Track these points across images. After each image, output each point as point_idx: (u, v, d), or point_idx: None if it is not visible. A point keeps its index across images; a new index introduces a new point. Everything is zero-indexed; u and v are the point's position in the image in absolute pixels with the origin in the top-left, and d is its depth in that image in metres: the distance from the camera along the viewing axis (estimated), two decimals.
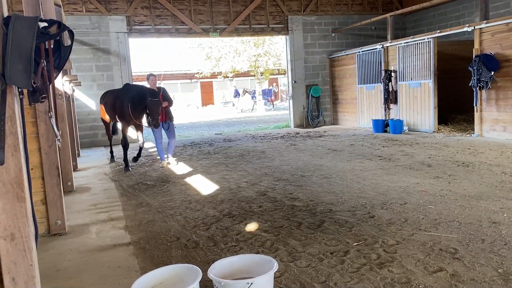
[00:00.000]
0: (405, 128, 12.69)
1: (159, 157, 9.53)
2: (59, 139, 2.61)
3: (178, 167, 8.85)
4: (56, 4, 7.18)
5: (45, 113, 4.53)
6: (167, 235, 4.56)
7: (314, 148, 10.46)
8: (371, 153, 9.15)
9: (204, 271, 2.96)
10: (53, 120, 2.51)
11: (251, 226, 4.65)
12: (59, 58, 2.49)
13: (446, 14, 15.58)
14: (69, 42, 2.67)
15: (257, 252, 3.87)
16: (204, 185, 6.91)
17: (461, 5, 14.82)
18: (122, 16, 14.29)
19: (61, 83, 7.00)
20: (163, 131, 8.91)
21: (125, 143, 8.66)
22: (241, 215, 5.09)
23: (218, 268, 2.94)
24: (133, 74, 15.16)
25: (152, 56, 36.52)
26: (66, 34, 2.52)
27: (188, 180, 7.45)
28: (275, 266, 2.82)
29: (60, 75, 6.66)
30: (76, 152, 10.52)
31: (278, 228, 4.52)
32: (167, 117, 8.78)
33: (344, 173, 7.26)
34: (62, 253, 4.23)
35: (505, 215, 4.53)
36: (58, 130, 2.60)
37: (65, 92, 8.25)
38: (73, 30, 2.48)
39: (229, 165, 8.69)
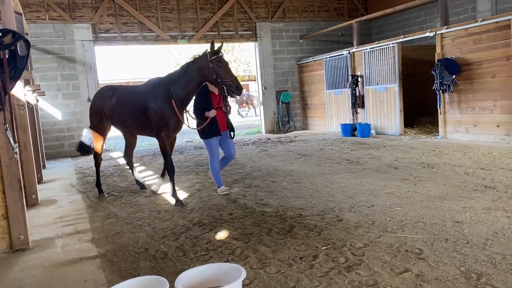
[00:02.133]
0: (373, 131, 12.94)
1: (211, 180, 7.25)
2: (15, 152, 2.52)
3: (147, 176, 8.71)
4: (16, 12, 7.00)
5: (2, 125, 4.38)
6: (135, 246, 4.48)
7: (285, 154, 10.53)
8: (340, 157, 9.28)
9: (173, 282, 2.92)
10: (9, 133, 2.43)
11: (221, 234, 4.62)
12: (15, 68, 2.43)
13: (410, 20, 16.04)
14: (25, 52, 2.59)
15: (227, 260, 3.85)
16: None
17: (424, 11, 15.29)
18: (87, 24, 14.03)
19: (24, 93, 6.80)
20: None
21: (171, 165, 6.26)
22: (211, 223, 5.05)
23: (186, 278, 2.90)
24: (100, 82, 14.89)
25: (120, 63, 35.99)
26: (22, 43, 2.44)
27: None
28: (243, 274, 2.81)
29: (22, 85, 6.47)
30: (41, 163, 10.22)
31: (248, 235, 4.51)
32: (229, 125, 6.52)
33: (314, 177, 7.33)
34: (25, 269, 4.08)
35: (467, 214, 4.67)
36: (15, 142, 2.51)
37: (28, 102, 8.01)
38: (36, 39, 2.43)
39: (199, 173, 8.63)
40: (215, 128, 6.25)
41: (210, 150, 6.44)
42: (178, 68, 6.27)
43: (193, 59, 6.05)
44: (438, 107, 10.93)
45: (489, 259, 3.47)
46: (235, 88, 5.75)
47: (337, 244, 4.04)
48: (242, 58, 28.48)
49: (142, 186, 7.33)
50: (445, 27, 10.66)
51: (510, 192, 5.42)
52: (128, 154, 7.37)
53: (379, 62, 12.88)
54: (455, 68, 10.27)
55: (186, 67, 6.04)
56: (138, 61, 36.04)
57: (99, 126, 6.82)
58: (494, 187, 5.74)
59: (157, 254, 4.19)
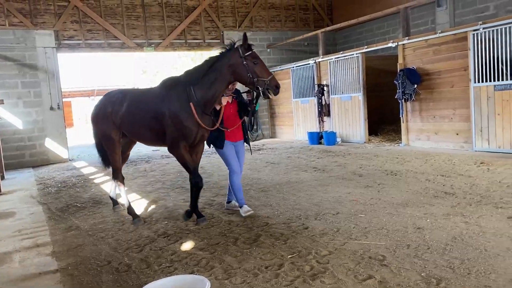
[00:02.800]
0: (338, 139, 13.16)
1: (232, 201, 5.97)
2: None
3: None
4: None
5: None
6: (97, 259, 4.36)
7: (252, 162, 10.54)
8: (307, 165, 9.38)
9: None
10: None
11: (187, 245, 4.57)
12: None
13: (373, 31, 16.48)
14: None
15: (192, 272, 3.80)
16: (139, 205, 6.71)
17: (386, 22, 15.75)
18: (50, 31, 13.66)
19: None
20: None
21: (197, 178, 5.29)
22: (176, 234, 4.98)
23: None
24: (63, 90, 14.51)
25: (85, 71, 35.23)
26: None
27: (122, 200, 7.18)
28: (208, 285, 2.79)
29: None
30: (0, 174, 9.82)
31: (214, 246, 4.47)
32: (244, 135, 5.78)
33: (281, 185, 7.37)
34: None
35: (428, 220, 4.80)
36: None
37: None
38: None
39: (166, 183, 8.52)
40: (222, 134, 5.45)
41: (226, 161, 5.56)
42: (198, 64, 5.30)
43: (220, 54, 5.06)
44: (400, 116, 11.24)
45: (448, 264, 3.57)
46: (274, 87, 4.92)
47: (303, 252, 4.07)
48: None
49: (115, 202, 6.48)
50: (407, 38, 11.01)
51: (468, 198, 5.62)
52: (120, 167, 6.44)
53: (344, 72, 13.15)
54: (417, 78, 10.61)
55: (212, 64, 5.02)
56: (106, 68, 35.44)
57: (109, 135, 5.78)
58: (453, 193, 5.94)
59: (120, 266, 4.09)
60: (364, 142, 12.52)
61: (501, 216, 4.77)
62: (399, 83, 10.84)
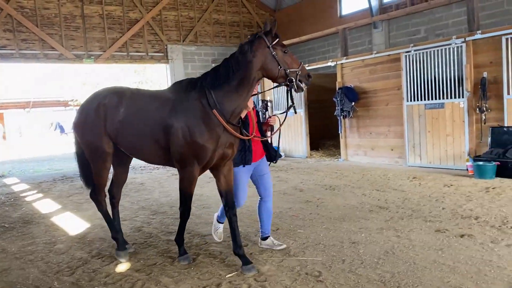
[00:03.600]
0: (282, 154, 13.37)
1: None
2: None
3: (45, 204, 8.07)
4: None
5: None
6: (24, 284, 4.09)
7: None
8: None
9: None
10: None
11: (122, 266, 4.41)
12: None
13: (315, 49, 17.04)
14: None
15: None
16: (73, 224, 6.40)
17: (326, 41, 16.34)
18: None
19: None
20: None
21: (187, 207, 4.33)
22: (112, 255, 4.79)
23: None
24: None
25: (21, 82, 33.40)
26: None
27: (55, 219, 6.82)
28: None
29: None
30: None
31: (151, 266, 4.35)
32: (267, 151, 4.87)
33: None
34: None
35: (363, 235, 4.97)
36: None
37: None
38: None
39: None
40: (247, 153, 4.43)
41: (265, 184, 4.72)
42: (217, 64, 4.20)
43: (242, 46, 4.00)
44: (339, 132, 11.64)
45: (380, 278, 3.71)
46: (307, 76, 4.12)
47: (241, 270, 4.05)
48: (155, 79, 28.05)
49: (122, 244, 4.73)
50: (345, 57, 11.49)
51: (401, 212, 5.89)
52: (114, 193, 4.97)
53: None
54: (354, 95, 11.06)
55: (234, 61, 3.97)
56: (44, 80, 33.80)
57: (99, 147, 4.49)
58: (387, 207, 6.20)
59: None
60: (306, 157, 12.80)
61: (429, 229, 5.03)
62: (337, 100, 11.24)
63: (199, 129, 3.98)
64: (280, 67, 3.97)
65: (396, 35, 13.87)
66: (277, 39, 4.00)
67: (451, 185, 7.48)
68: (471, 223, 5.18)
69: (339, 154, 12.24)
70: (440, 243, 4.52)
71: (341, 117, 11.41)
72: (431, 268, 3.86)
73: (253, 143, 4.49)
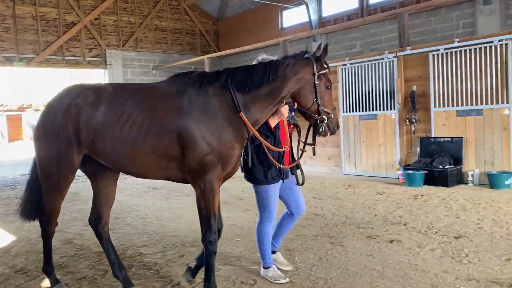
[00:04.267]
0: None
1: (259, 258, 4.15)
2: None
3: None
4: None
5: None
6: None
7: (133, 187, 10.14)
8: (190, 189, 9.24)
9: None
10: None
11: (48, 281, 4.16)
12: None
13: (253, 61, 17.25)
14: None
15: None
16: None
17: (268, 52, 16.58)
18: None
19: None
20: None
21: (214, 232, 3.46)
22: (38, 269, 4.51)
23: None
24: None
25: None
26: None
27: None
28: None
29: None
30: None
31: (81, 280, 4.16)
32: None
33: (161, 212, 7.18)
34: None
35: (299, 242, 5.07)
36: None
37: None
38: None
39: None
40: (281, 165, 3.81)
41: (267, 204, 3.96)
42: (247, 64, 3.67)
43: (285, 60, 3.49)
44: None
45: (313, 285, 3.79)
46: (336, 124, 3.64)
47: (175, 281, 3.98)
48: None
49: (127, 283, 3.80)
50: None
51: (336, 219, 6.07)
52: (100, 214, 3.87)
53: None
54: (292, 106, 11.28)
55: (271, 69, 3.42)
56: None
57: (63, 159, 3.52)
58: (323, 214, 6.37)
59: None
60: None
61: (362, 235, 5.23)
62: None
63: (227, 131, 3.34)
64: (316, 101, 3.47)
65: (334, 49, 14.38)
66: (326, 70, 3.52)
67: (383, 192, 7.83)
68: (400, 229, 5.45)
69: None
70: (371, 249, 4.70)
71: None
72: (362, 274, 4.00)
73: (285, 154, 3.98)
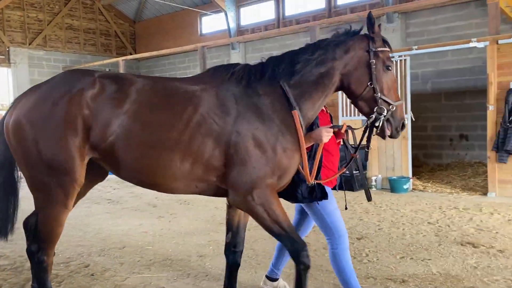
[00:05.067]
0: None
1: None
2: None
3: None
4: None
5: None
6: None
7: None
8: (101, 197, 8.91)
9: None
10: None
11: None
12: None
13: (175, 64, 17.07)
14: None
15: None
16: None
17: (187, 57, 16.52)
18: None
19: None
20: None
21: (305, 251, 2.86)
22: None
23: None
24: None
25: None
26: None
27: None
28: None
29: None
30: None
31: None
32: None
33: (68, 220, 6.72)
34: None
35: (211, 247, 5.07)
36: None
37: None
38: None
39: None
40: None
41: (331, 222, 3.19)
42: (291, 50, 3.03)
43: (335, 37, 2.89)
44: None
45: None
46: (401, 122, 2.90)
47: None
48: None
49: None
50: None
51: (248, 224, 6.11)
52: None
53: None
54: None
55: (319, 51, 2.82)
56: None
57: (62, 172, 2.80)
58: None
59: None
60: None
61: (272, 239, 5.30)
62: None
63: (285, 136, 2.76)
64: (371, 85, 2.79)
65: (252, 57, 14.69)
66: (386, 48, 2.86)
67: None
68: (310, 231, 5.67)
69: None
70: None
71: None
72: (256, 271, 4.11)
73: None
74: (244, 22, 15.22)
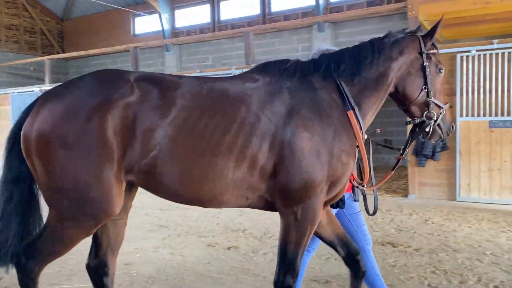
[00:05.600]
0: None
1: None
2: None
3: None
4: None
5: None
6: None
7: None
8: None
9: None
10: None
11: None
12: None
13: (106, 65, 16.48)
14: None
15: None
16: None
17: (119, 58, 16.03)
18: None
19: None
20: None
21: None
22: None
23: None
24: None
25: None
26: None
27: None
28: None
29: None
30: None
31: None
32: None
33: None
34: None
35: (138, 255, 4.93)
36: None
37: None
38: None
39: None
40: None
41: (358, 225, 3.19)
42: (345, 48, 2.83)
43: (387, 37, 2.73)
44: None
45: None
46: (450, 126, 2.83)
47: None
48: None
49: None
50: None
51: (179, 230, 6.08)
52: (104, 260, 3.05)
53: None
54: None
55: (375, 50, 2.67)
56: None
57: (90, 192, 2.33)
58: (167, 226, 6.33)
59: None
60: None
61: (202, 244, 5.33)
62: None
63: (342, 138, 2.52)
64: (425, 89, 2.70)
65: (188, 60, 14.56)
66: (436, 50, 2.79)
67: None
68: (239, 235, 5.71)
69: None
70: (210, 257, 4.83)
71: None
72: (198, 282, 4.08)
73: None
74: (179, 24, 15.05)
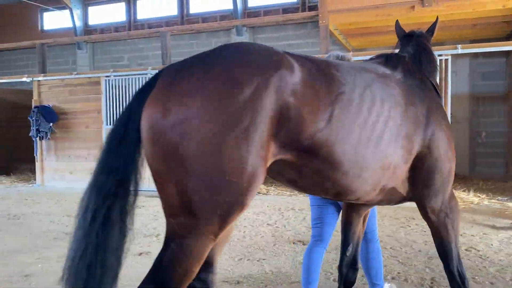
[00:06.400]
0: None
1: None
2: None
3: None
4: None
5: None
6: None
7: None
8: None
9: None
10: None
11: None
12: None
13: (10, 62, 15.27)
14: None
15: None
16: None
17: (25, 55, 14.91)
18: None
19: None
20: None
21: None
22: None
23: None
24: None
25: None
26: None
27: None
28: None
29: None
30: None
31: None
32: None
33: None
34: None
35: (40, 265, 4.61)
36: None
37: None
38: None
39: None
40: None
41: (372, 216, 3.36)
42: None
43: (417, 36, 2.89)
44: (35, 154, 10.68)
45: None
46: None
47: None
48: None
49: None
50: (43, 74, 10.72)
51: None
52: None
53: None
54: (53, 116, 10.40)
55: (429, 47, 2.89)
56: None
57: (236, 191, 1.81)
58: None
59: None
60: None
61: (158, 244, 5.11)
62: (33, 120, 10.32)
63: (453, 134, 2.59)
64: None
65: (101, 59, 13.94)
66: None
67: (142, 206, 7.89)
68: (152, 240, 5.57)
69: (35, 179, 11.17)
70: None
71: (37, 138, 10.49)
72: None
73: None
74: (92, 21, 14.36)
